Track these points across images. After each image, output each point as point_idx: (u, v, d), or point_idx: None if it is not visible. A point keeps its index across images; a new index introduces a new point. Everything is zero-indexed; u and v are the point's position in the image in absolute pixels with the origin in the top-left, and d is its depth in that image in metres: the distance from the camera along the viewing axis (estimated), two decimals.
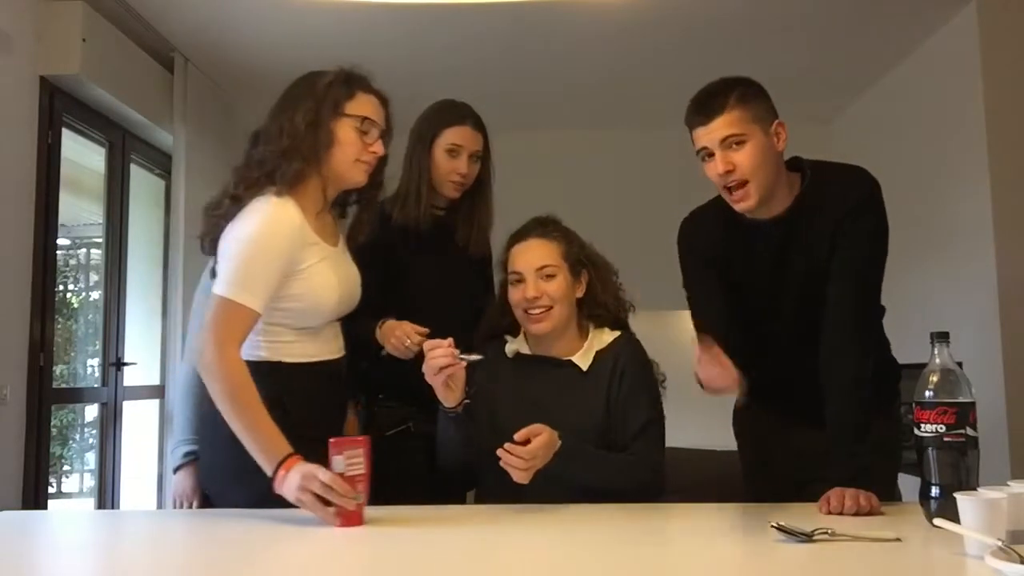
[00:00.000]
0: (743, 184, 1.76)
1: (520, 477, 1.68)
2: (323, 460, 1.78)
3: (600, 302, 1.98)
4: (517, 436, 1.69)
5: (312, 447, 1.69)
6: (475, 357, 1.75)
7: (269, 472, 1.61)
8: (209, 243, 1.83)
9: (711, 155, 1.78)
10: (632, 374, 1.92)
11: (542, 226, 1.99)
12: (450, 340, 1.73)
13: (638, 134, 5.09)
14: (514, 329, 2.01)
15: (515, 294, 1.93)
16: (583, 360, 1.93)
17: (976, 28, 3.50)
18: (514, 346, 1.98)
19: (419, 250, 2.19)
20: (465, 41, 3.94)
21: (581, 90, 4.55)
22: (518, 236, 1.99)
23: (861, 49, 4.05)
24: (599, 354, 1.94)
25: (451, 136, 2.21)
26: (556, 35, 3.86)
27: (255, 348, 1.78)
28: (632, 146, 5.10)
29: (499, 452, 1.68)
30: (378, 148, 1.85)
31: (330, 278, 1.81)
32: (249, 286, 1.70)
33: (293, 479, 1.57)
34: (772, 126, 1.79)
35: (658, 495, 1.86)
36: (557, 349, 1.96)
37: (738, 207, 1.80)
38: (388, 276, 2.09)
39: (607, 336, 1.97)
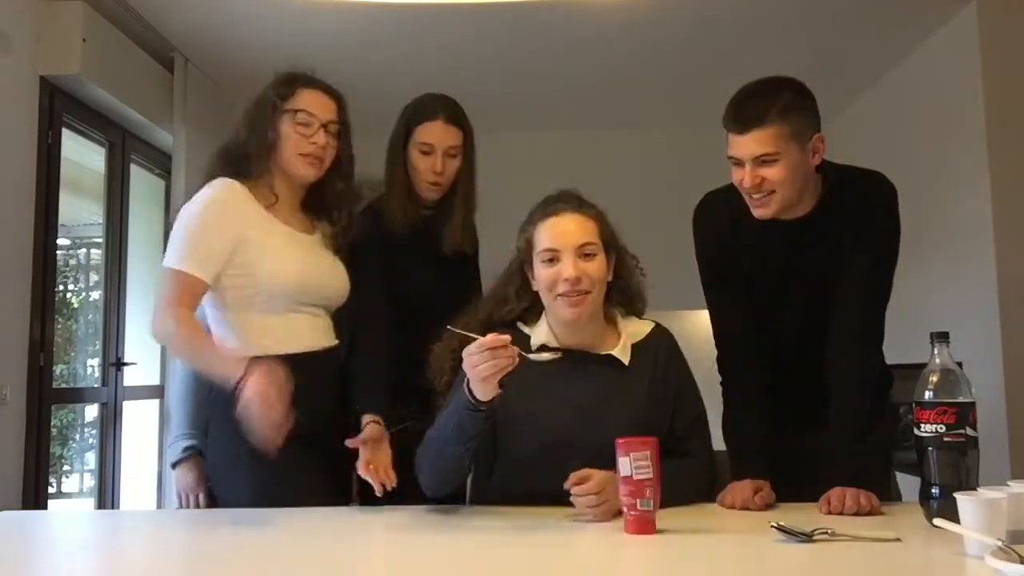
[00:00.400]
0: (768, 193, 1.75)
1: (601, 517, 1.56)
2: (320, 456, 1.83)
3: (626, 287, 1.86)
4: (569, 484, 1.58)
5: (307, 443, 1.73)
6: (546, 356, 1.63)
7: (234, 380, 1.64)
8: None
9: (740, 164, 1.75)
10: (677, 369, 1.83)
11: (577, 201, 1.81)
12: (507, 337, 1.54)
13: (638, 134, 5.09)
14: (527, 317, 1.84)
15: (548, 274, 1.73)
16: (623, 354, 1.79)
17: (976, 28, 3.50)
18: (539, 338, 1.78)
19: (409, 252, 2.15)
20: (465, 41, 3.94)
21: (581, 90, 4.55)
22: (550, 210, 1.79)
23: (861, 49, 4.06)
24: (636, 347, 1.81)
25: (422, 134, 2.14)
26: (556, 35, 3.85)
27: (233, 344, 1.82)
28: (632, 146, 5.10)
29: (574, 500, 1.57)
30: (319, 139, 1.90)
31: (288, 253, 1.87)
32: (192, 255, 1.79)
33: (254, 377, 1.61)
34: (810, 141, 1.74)
35: (712, 493, 1.77)
36: (587, 340, 1.79)
37: (756, 213, 1.78)
38: (387, 280, 2.09)
39: (641, 327, 1.85)
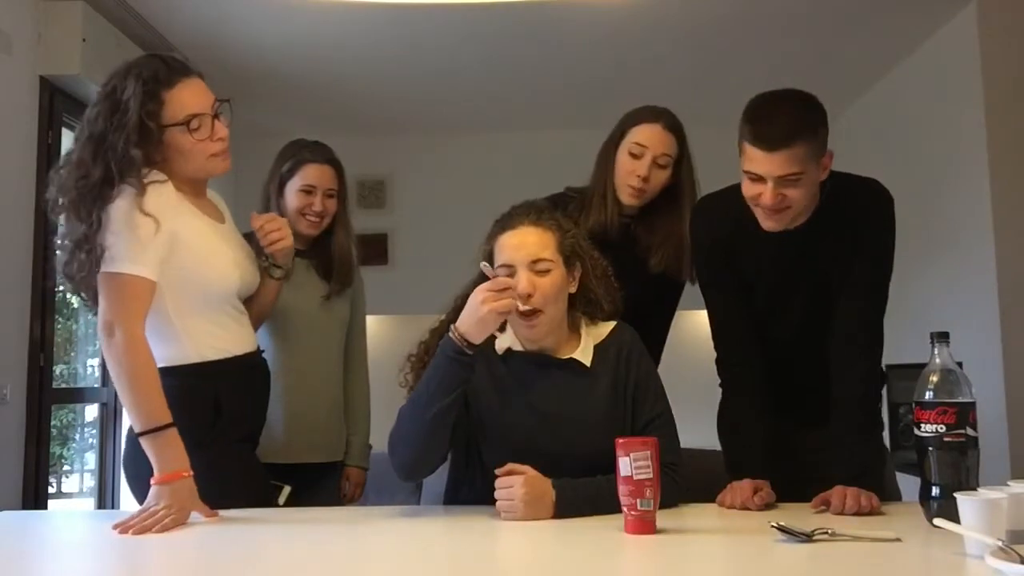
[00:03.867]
0: (785, 208, 1.72)
1: (506, 511, 1.61)
2: (249, 458, 1.88)
3: (593, 297, 1.85)
4: (500, 472, 1.64)
5: (245, 444, 1.81)
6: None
7: (148, 428, 1.60)
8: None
9: (758, 180, 1.70)
10: (636, 364, 1.82)
11: (536, 212, 1.80)
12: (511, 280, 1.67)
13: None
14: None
15: None
16: (584, 356, 1.80)
17: (976, 28, 3.50)
18: (504, 343, 1.81)
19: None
20: (465, 41, 3.94)
21: (581, 90, 4.55)
22: (508, 223, 1.79)
23: (861, 49, 4.06)
24: (598, 347, 1.82)
25: (637, 135, 2.20)
26: (556, 35, 3.86)
27: (179, 351, 1.77)
28: None
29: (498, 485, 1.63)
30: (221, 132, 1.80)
31: (218, 244, 1.81)
32: (140, 254, 1.65)
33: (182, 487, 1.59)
34: (824, 157, 1.73)
35: (675, 496, 1.73)
36: (551, 346, 1.81)
37: (765, 226, 1.77)
38: None
39: (602, 328, 1.85)
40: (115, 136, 1.66)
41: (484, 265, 1.68)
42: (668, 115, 2.19)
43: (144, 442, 1.61)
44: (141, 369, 1.63)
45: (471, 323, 1.63)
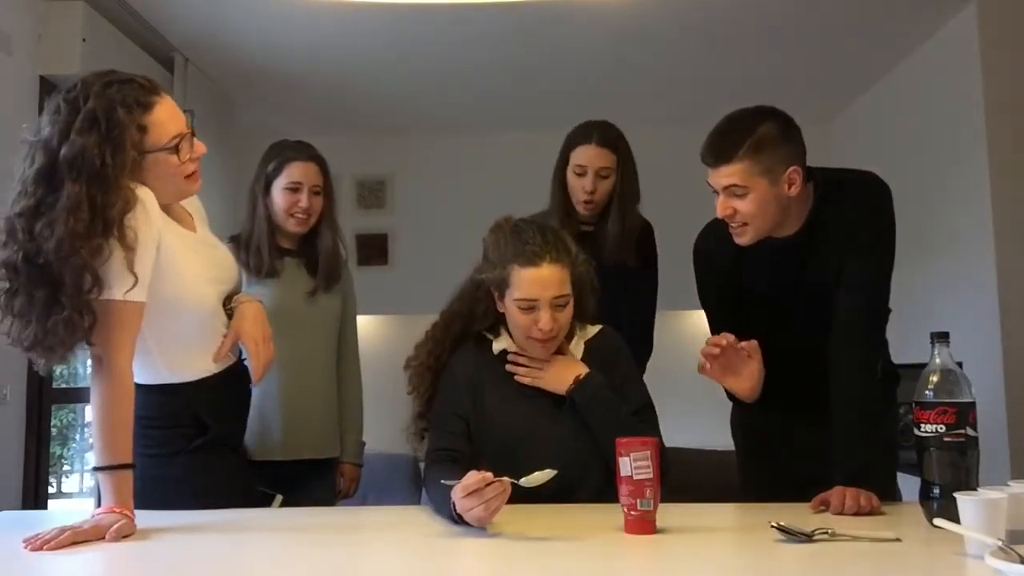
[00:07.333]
0: (741, 224, 1.80)
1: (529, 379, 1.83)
2: (239, 466, 1.89)
3: (584, 305, 1.93)
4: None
5: (231, 455, 1.82)
6: (537, 479, 1.51)
7: (104, 462, 1.56)
8: None
9: (716, 193, 1.80)
10: (623, 363, 1.93)
11: (555, 248, 1.83)
12: (489, 475, 1.49)
13: (637, 135, 5.08)
14: (491, 330, 1.95)
15: (524, 320, 1.82)
16: (576, 351, 1.91)
17: (976, 28, 3.50)
18: (501, 344, 1.92)
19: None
20: (465, 41, 3.94)
21: (581, 91, 4.55)
22: (531, 259, 1.80)
23: (861, 49, 4.06)
24: (588, 344, 1.93)
25: (577, 157, 2.42)
26: (556, 35, 3.86)
27: (156, 374, 1.75)
28: (633, 147, 5.09)
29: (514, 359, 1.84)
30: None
31: (193, 263, 1.74)
32: (130, 277, 1.56)
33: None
34: (784, 174, 1.76)
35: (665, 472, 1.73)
36: None
37: (735, 240, 1.84)
38: None
39: (590, 330, 1.96)
40: (115, 172, 1.56)
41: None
42: (599, 131, 2.46)
43: (100, 475, 1.59)
44: (110, 406, 1.58)
45: (467, 517, 1.52)
